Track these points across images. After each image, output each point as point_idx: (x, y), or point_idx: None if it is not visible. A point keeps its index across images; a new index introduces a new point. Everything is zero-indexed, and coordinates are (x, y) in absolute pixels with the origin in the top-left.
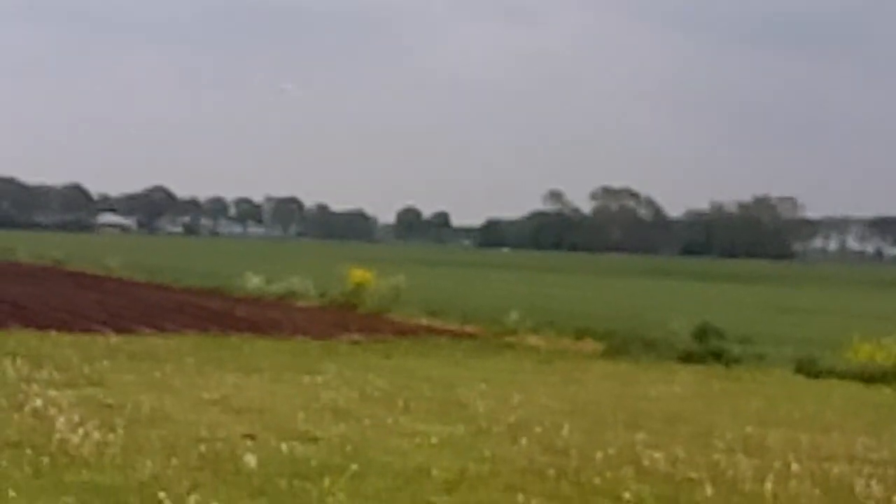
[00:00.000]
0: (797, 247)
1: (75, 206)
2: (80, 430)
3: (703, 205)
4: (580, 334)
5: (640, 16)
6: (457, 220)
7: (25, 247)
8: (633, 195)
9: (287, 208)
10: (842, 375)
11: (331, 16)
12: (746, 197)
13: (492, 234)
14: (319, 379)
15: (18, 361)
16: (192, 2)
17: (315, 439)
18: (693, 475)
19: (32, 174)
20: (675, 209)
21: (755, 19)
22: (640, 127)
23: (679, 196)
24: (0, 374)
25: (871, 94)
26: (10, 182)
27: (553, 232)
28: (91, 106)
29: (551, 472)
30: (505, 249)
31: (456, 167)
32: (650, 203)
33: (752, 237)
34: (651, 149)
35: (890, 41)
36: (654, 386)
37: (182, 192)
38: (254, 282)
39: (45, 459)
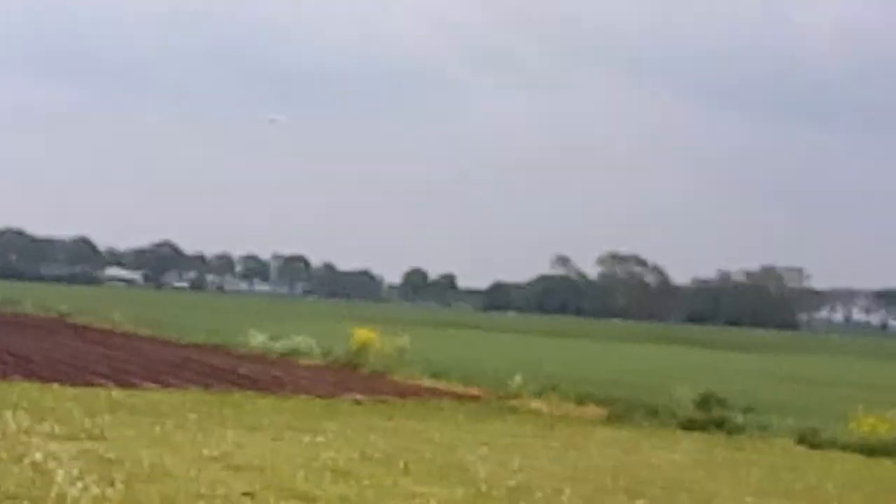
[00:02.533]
0: (803, 317)
1: (82, 259)
2: (79, 484)
3: (710, 273)
4: (583, 400)
5: (652, 78)
6: (463, 283)
7: (32, 299)
8: (641, 262)
9: (294, 266)
10: (844, 447)
11: (344, 73)
12: (753, 266)
13: (498, 297)
14: (320, 438)
15: (20, 414)
16: (204, 58)
17: (314, 499)
18: None
19: (40, 226)
20: (681, 276)
21: (763, 89)
22: (648, 193)
23: (686, 264)
24: (1, 426)
25: (879, 165)
26: (18, 234)
27: (559, 297)
28: (99, 159)
29: None
30: (510, 313)
31: (463, 229)
32: (657, 270)
33: (758, 306)
34: (659, 215)
35: None
36: (655, 453)
37: (189, 247)
38: (258, 339)
39: None
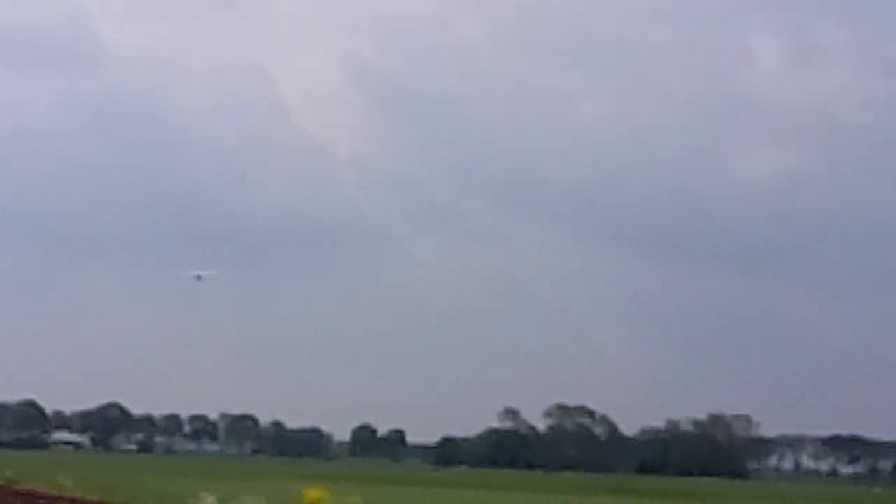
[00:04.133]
0: (752, 465)
1: (29, 424)
2: None
3: (658, 422)
4: None
5: (597, 233)
6: (412, 438)
7: None
8: (589, 413)
9: (242, 426)
10: None
11: (285, 232)
12: (702, 415)
13: (448, 452)
14: None
15: None
16: (147, 222)
17: None
18: None
19: None
20: (630, 427)
21: (710, 240)
22: (594, 343)
23: (634, 414)
24: None
25: (824, 313)
26: None
27: (509, 450)
28: (42, 320)
29: None
30: (461, 467)
31: (412, 384)
32: (605, 421)
33: (707, 455)
34: (606, 366)
35: (840, 262)
36: None
37: (137, 408)
38: (208, 501)
39: None
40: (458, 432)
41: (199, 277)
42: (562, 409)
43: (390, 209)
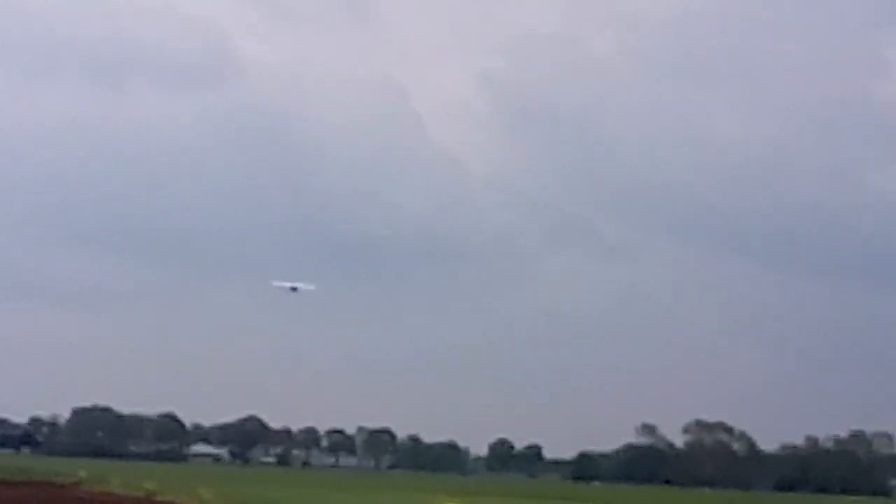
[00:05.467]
0: (893, 483)
1: (169, 436)
2: None
3: (798, 439)
4: None
5: (733, 250)
6: (549, 453)
7: (119, 477)
8: (727, 429)
9: (379, 440)
10: None
11: (420, 247)
12: (842, 432)
13: (584, 468)
14: None
15: None
16: (283, 238)
17: None
18: None
19: (127, 403)
20: (769, 443)
21: (847, 254)
22: (733, 360)
23: (773, 430)
24: None
25: None
26: (105, 411)
27: (646, 466)
28: (182, 335)
29: None
30: (595, 483)
31: (549, 399)
32: (744, 437)
33: (847, 473)
34: (745, 382)
35: None
36: None
37: (275, 422)
38: None
39: None
40: (596, 447)
41: (294, 289)
42: (700, 424)
43: (524, 224)
